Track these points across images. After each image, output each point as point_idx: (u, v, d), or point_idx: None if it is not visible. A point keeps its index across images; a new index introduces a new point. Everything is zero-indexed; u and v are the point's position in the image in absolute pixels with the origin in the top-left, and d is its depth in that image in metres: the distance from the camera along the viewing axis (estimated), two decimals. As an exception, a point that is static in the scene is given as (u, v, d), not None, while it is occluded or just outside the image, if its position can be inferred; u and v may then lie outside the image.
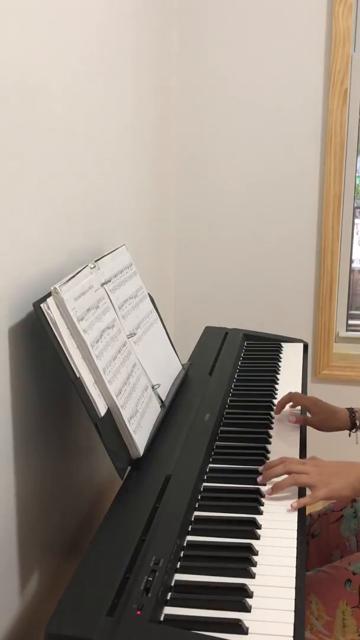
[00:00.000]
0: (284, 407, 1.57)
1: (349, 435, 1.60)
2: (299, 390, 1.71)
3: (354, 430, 1.59)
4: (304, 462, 1.26)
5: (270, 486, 1.22)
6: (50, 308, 1.14)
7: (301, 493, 1.22)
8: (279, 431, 1.49)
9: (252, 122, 2.57)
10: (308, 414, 1.58)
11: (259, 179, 2.61)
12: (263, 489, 1.23)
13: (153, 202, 2.34)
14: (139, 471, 1.24)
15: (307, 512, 1.56)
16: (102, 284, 1.38)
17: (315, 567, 1.41)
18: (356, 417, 1.58)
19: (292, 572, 1.02)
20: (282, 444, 1.43)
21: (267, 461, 1.29)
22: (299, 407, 1.59)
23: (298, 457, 1.38)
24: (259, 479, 1.24)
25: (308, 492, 1.22)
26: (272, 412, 1.56)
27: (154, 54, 2.26)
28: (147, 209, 2.25)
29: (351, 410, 1.58)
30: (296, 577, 1.00)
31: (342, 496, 1.22)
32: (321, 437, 1.62)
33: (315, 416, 1.56)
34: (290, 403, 1.58)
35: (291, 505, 1.17)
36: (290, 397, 1.57)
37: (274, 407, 1.58)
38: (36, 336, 1.22)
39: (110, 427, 1.21)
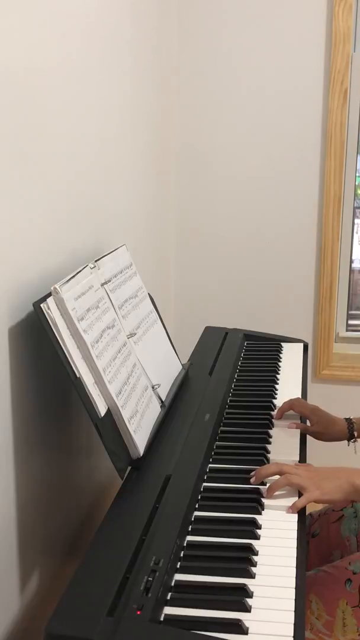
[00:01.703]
0: (283, 414, 1.56)
1: (348, 445, 1.60)
2: (299, 390, 1.71)
3: (352, 441, 1.59)
4: (297, 466, 1.27)
5: (267, 488, 1.22)
6: (50, 308, 1.14)
7: (300, 495, 1.22)
8: (279, 431, 1.49)
9: (252, 122, 2.57)
10: (308, 422, 1.57)
11: (259, 179, 2.61)
12: (263, 489, 1.23)
13: (153, 202, 2.34)
14: (139, 471, 1.24)
15: (307, 512, 1.56)
16: (102, 284, 1.38)
17: (315, 566, 1.41)
18: (354, 427, 1.58)
19: (292, 572, 1.02)
20: (282, 444, 1.43)
21: (260, 467, 1.29)
22: (298, 415, 1.58)
23: (298, 456, 1.39)
24: (252, 480, 1.24)
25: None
26: (272, 412, 1.56)
27: (154, 53, 2.26)
28: (147, 209, 2.25)
29: (349, 421, 1.58)
30: (296, 577, 1.00)
31: (333, 499, 1.22)
32: (320, 443, 1.62)
33: (314, 425, 1.56)
34: (291, 410, 1.57)
35: (287, 511, 1.17)
36: (290, 405, 1.57)
37: (274, 408, 1.59)
38: (36, 336, 1.22)
39: (110, 427, 1.21)
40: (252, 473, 1.26)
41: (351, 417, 1.60)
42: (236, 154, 2.60)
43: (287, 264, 2.65)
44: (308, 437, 1.52)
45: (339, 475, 1.23)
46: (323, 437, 1.58)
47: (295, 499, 1.19)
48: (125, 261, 1.57)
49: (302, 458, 1.39)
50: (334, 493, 1.21)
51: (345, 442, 1.61)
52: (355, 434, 1.59)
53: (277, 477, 1.24)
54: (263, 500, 1.20)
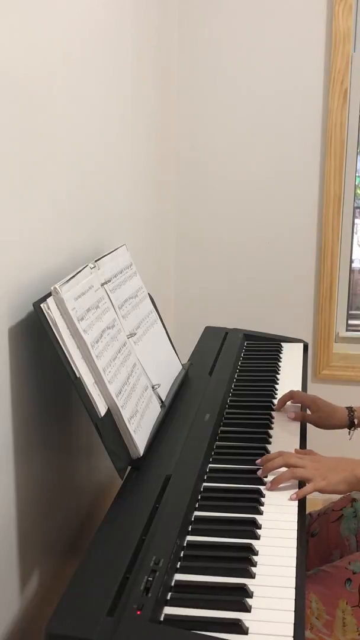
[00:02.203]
0: (284, 404, 1.59)
1: (349, 433, 1.61)
2: (299, 390, 1.72)
3: (352, 429, 1.60)
4: (302, 457, 1.28)
5: (270, 480, 1.24)
6: (50, 308, 1.14)
7: (301, 487, 1.23)
8: (279, 431, 1.49)
9: (252, 122, 2.57)
10: (308, 412, 1.59)
11: (258, 179, 2.61)
12: (263, 489, 1.23)
13: (153, 202, 2.34)
14: (139, 471, 1.24)
15: (307, 512, 1.57)
16: (102, 284, 1.38)
17: (315, 566, 1.41)
18: (355, 416, 1.59)
19: (292, 572, 1.02)
20: (282, 444, 1.43)
21: (265, 455, 1.32)
22: (299, 405, 1.61)
23: (298, 456, 1.39)
24: (259, 472, 1.26)
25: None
26: (272, 412, 1.57)
27: (155, 54, 2.26)
28: (147, 209, 2.25)
29: (350, 409, 1.60)
30: (296, 577, 1.00)
31: (337, 490, 1.25)
32: (320, 437, 1.62)
33: (314, 414, 1.58)
34: (291, 401, 1.60)
35: (291, 497, 1.19)
36: (291, 395, 1.60)
37: (274, 407, 1.59)
38: (36, 336, 1.22)
39: (110, 427, 1.21)
40: (258, 462, 1.28)
41: (352, 406, 1.61)
42: (236, 153, 2.60)
43: (287, 264, 2.65)
44: (308, 435, 1.52)
45: (344, 467, 1.25)
46: (323, 426, 1.60)
47: (296, 504, 1.19)
48: (125, 261, 1.57)
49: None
50: (339, 484, 1.23)
51: (344, 437, 1.61)
52: (356, 422, 1.59)
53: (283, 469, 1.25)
54: (263, 500, 1.20)
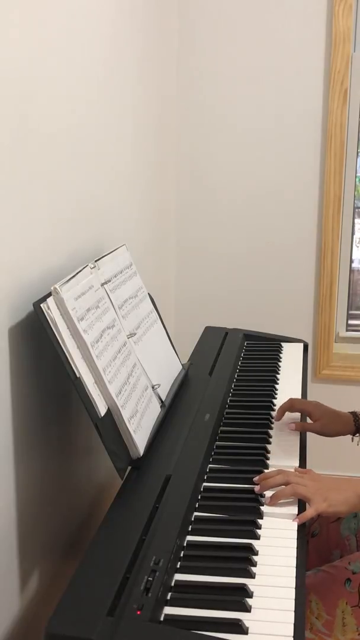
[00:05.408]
0: (284, 413, 1.54)
1: (352, 440, 1.58)
2: (299, 390, 1.71)
3: (357, 435, 1.57)
4: (302, 476, 1.25)
5: (269, 496, 1.20)
6: (50, 308, 1.14)
7: (300, 502, 1.20)
8: (279, 431, 1.49)
9: (252, 123, 2.57)
10: (309, 420, 1.55)
11: (259, 179, 2.61)
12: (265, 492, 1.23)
13: (153, 202, 2.34)
14: (139, 471, 1.24)
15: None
16: (102, 284, 1.38)
17: (314, 566, 1.41)
18: None
19: (292, 572, 1.02)
20: (282, 444, 1.43)
21: (264, 473, 1.27)
22: (298, 414, 1.56)
23: (298, 458, 1.38)
24: (257, 488, 1.22)
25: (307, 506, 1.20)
26: (272, 413, 1.56)
27: (155, 57, 2.26)
28: (147, 209, 2.25)
29: (355, 415, 1.56)
30: (296, 577, 1.00)
31: (339, 511, 1.21)
32: (321, 439, 1.61)
33: (317, 421, 1.53)
34: (290, 409, 1.55)
35: (293, 520, 1.15)
36: (290, 404, 1.54)
37: (274, 408, 1.58)
38: (36, 336, 1.22)
39: (110, 427, 1.21)
40: (256, 479, 1.24)
41: (356, 411, 1.58)
42: (236, 154, 2.60)
43: (288, 264, 2.66)
44: (308, 436, 1.51)
45: (346, 487, 1.21)
46: (327, 433, 1.55)
47: (296, 505, 1.18)
48: (125, 261, 1.57)
49: (302, 457, 1.39)
50: (341, 505, 1.19)
51: (345, 440, 1.60)
52: None
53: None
54: (263, 500, 1.20)
